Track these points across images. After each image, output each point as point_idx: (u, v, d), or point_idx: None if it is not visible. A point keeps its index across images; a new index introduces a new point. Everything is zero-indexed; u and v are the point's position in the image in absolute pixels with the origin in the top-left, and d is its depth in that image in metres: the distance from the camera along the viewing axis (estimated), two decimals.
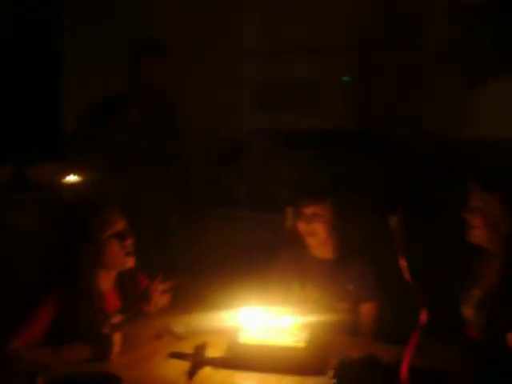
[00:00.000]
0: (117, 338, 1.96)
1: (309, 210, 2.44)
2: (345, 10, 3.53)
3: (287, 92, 3.83)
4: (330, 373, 1.66)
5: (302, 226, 2.46)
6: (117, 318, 2.10)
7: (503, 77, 3.15)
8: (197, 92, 3.96)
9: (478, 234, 2.01)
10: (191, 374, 1.86)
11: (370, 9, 3.47)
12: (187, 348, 2.01)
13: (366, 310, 2.46)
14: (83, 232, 2.11)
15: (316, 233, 2.45)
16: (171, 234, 3.10)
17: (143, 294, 2.27)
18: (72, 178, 3.18)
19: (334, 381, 1.56)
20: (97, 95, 3.28)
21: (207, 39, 3.89)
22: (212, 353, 1.98)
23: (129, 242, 2.18)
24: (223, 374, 1.88)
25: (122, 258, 2.17)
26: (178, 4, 3.94)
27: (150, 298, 2.21)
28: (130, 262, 2.20)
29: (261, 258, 2.77)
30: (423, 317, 1.48)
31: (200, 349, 1.98)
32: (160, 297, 2.24)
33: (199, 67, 3.96)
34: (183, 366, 1.91)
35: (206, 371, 1.89)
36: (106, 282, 2.20)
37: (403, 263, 1.47)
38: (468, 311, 2.06)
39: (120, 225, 2.18)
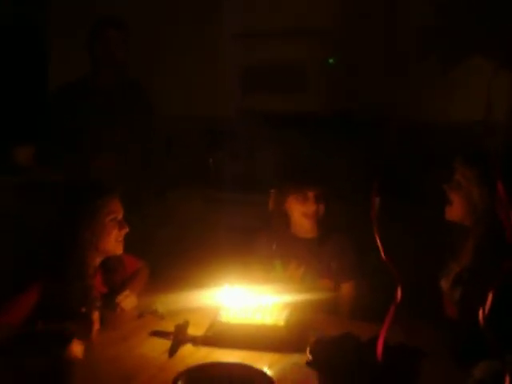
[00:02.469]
0: (95, 316, 1.98)
1: (312, 193, 2.47)
2: None
3: (273, 74, 3.84)
4: (307, 349, 1.69)
5: (306, 209, 2.47)
6: (98, 302, 2.12)
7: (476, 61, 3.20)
8: (182, 75, 3.97)
9: (455, 210, 2.05)
10: (172, 351, 1.89)
11: None
12: (168, 327, 2.04)
13: (346, 288, 2.49)
14: (85, 214, 2.11)
15: (318, 214, 2.48)
16: (147, 211, 3.13)
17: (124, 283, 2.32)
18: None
19: (310, 357, 1.60)
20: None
21: (193, 23, 3.89)
22: (193, 331, 2.01)
23: (125, 231, 2.21)
24: (204, 351, 1.90)
25: (114, 244, 2.19)
26: None
27: (117, 305, 2.22)
28: (119, 249, 2.22)
29: (243, 238, 2.79)
30: (398, 294, 1.50)
31: (181, 327, 2.01)
32: (126, 301, 2.25)
33: (184, 51, 3.97)
34: (164, 344, 1.94)
35: (187, 349, 1.92)
36: (93, 265, 2.21)
37: (378, 242, 1.50)
38: (445, 284, 2.10)
39: (121, 213, 2.21)
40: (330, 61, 3.71)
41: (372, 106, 3.47)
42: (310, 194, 2.46)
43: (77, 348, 1.59)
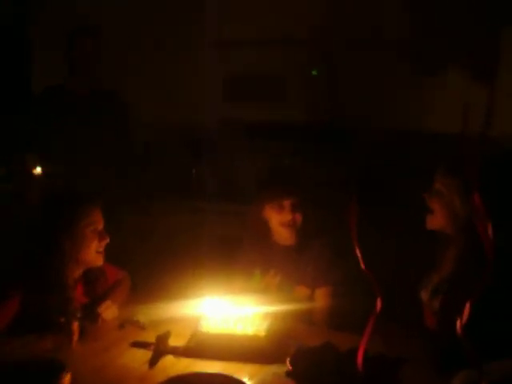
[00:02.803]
0: (75, 326, 1.97)
1: (288, 203, 2.46)
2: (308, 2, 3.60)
3: (254, 84, 3.86)
4: (287, 360, 1.70)
5: (283, 218, 2.47)
6: (79, 313, 2.11)
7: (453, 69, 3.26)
8: (163, 83, 3.98)
9: (436, 219, 2.05)
10: (153, 362, 1.88)
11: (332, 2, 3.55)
12: (150, 337, 2.03)
13: (321, 294, 2.48)
14: (65, 224, 2.11)
15: (296, 223, 2.48)
16: (124, 223, 3.12)
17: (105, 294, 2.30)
18: (37, 170, 3.16)
19: (290, 367, 1.60)
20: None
21: (173, 31, 3.91)
22: (174, 342, 2.00)
23: (105, 242, 2.20)
24: (185, 362, 1.90)
25: (94, 255, 2.18)
26: None
27: (98, 316, 2.20)
28: (99, 260, 2.22)
29: (227, 248, 2.79)
30: (378, 305, 1.51)
31: (162, 338, 2.00)
32: (108, 312, 2.23)
33: (165, 59, 3.99)
34: (145, 354, 1.93)
35: (169, 360, 1.91)
36: (73, 276, 2.20)
37: (357, 252, 1.50)
38: (425, 295, 2.11)
39: (101, 223, 2.20)
40: (314, 72, 3.74)
41: (350, 115, 3.51)
42: (286, 203, 2.46)
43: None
